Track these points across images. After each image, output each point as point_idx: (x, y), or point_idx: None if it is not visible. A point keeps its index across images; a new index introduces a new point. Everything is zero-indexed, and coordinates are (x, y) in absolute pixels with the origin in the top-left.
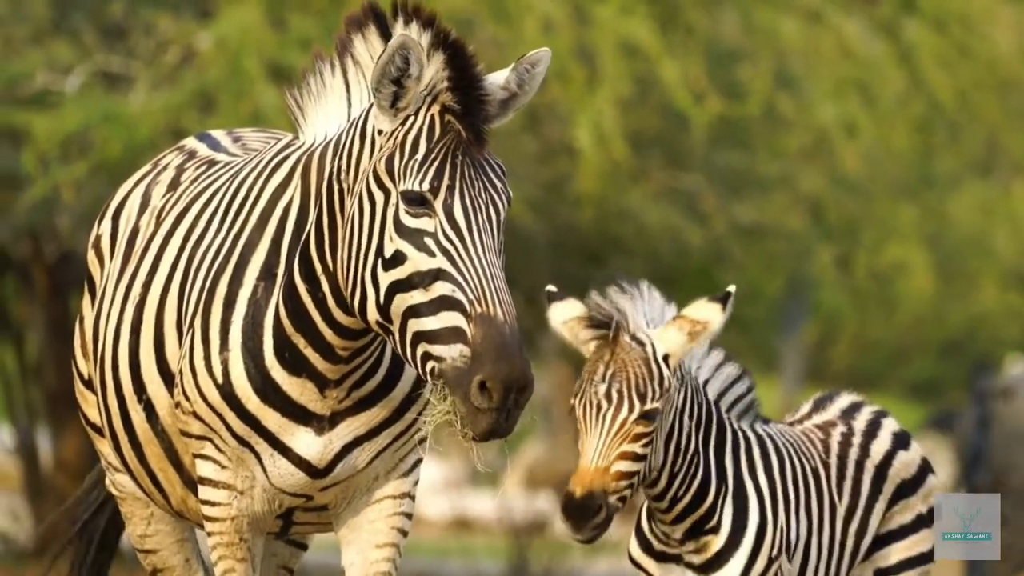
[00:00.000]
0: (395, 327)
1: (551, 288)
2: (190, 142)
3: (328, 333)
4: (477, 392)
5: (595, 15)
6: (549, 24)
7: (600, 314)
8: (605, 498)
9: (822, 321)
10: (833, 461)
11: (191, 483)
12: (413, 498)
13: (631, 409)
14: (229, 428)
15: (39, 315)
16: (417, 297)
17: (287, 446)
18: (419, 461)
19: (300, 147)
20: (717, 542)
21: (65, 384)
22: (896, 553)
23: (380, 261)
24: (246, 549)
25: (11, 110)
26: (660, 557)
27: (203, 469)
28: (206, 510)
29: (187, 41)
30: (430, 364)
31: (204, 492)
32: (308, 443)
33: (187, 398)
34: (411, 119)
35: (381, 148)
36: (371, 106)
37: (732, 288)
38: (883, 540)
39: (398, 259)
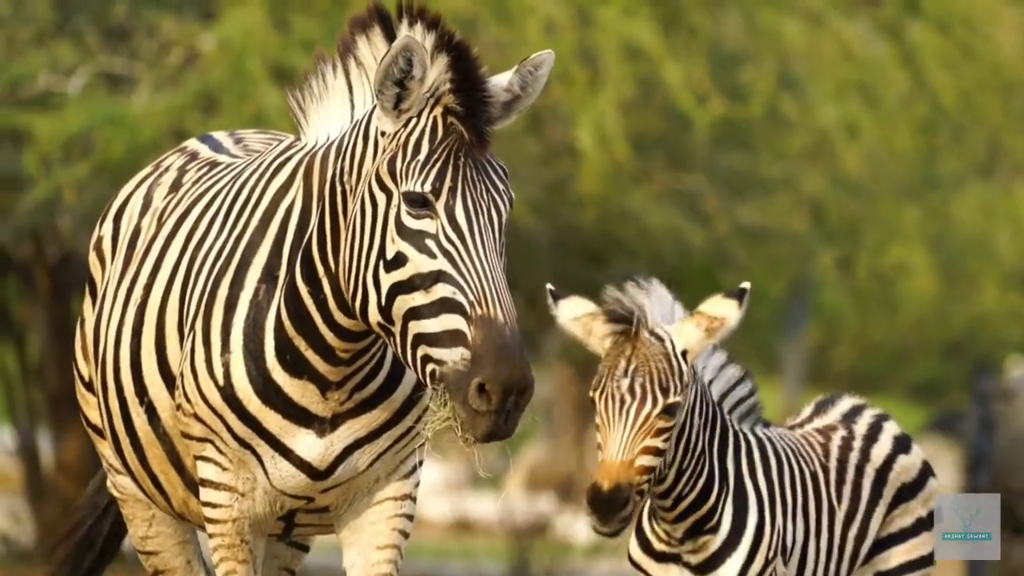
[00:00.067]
0: (396, 329)
1: (551, 287)
2: (192, 143)
3: (329, 335)
4: (476, 394)
5: (597, 17)
6: (551, 26)
7: (621, 309)
8: (631, 491)
9: (824, 323)
10: (833, 465)
11: (193, 485)
12: (414, 500)
13: (655, 403)
14: (230, 430)
15: (40, 316)
16: (418, 299)
17: (288, 448)
18: (420, 463)
19: (302, 148)
20: (715, 542)
21: (66, 386)
22: (896, 556)
23: (382, 262)
24: (247, 551)
25: (13, 111)
26: (660, 557)
27: (204, 471)
28: (207, 512)
29: (190, 43)
30: (430, 367)
31: (205, 494)
32: (309, 445)
33: (188, 400)
34: (414, 121)
35: (384, 150)
36: (374, 108)
37: (747, 285)
38: (883, 544)
39: (399, 260)
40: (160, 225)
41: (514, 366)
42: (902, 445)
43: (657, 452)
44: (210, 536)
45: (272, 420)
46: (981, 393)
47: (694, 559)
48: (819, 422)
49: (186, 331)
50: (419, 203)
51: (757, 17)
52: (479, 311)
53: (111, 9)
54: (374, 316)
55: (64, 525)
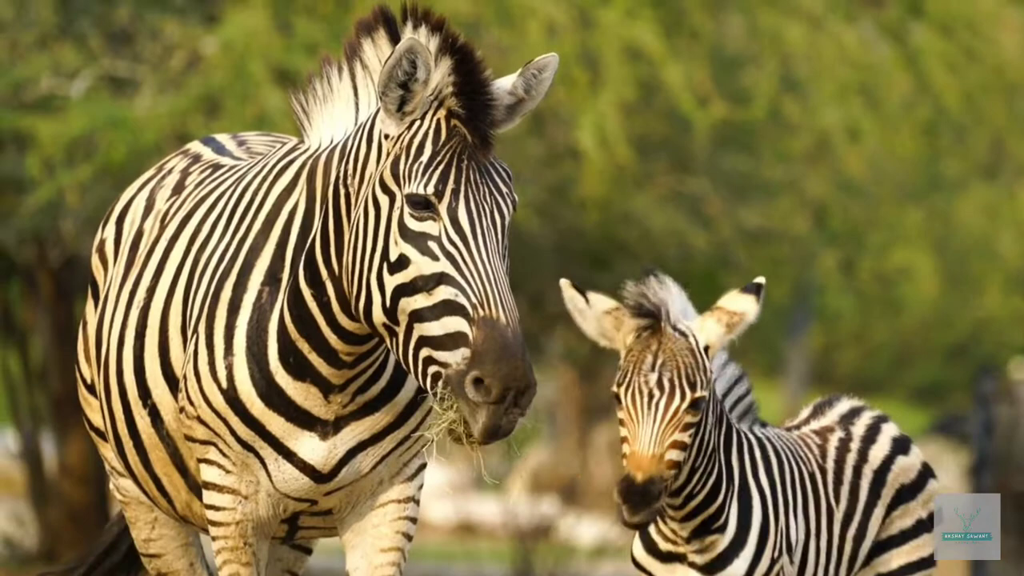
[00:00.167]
0: (400, 330)
1: (568, 282)
2: (195, 146)
3: (333, 338)
4: (472, 386)
5: (599, 19)
6: (553, 28)
7: (647, 304)
8: (662, 484)
9: (827, 325)
10: (830, 466)
11: (196, 488)
12: (417, 502)
13: (683, 398)
14: (233, 433)
15: (44, 320)
16: (420, 301)
17: (291, 451)
18: (423, 465)
19: (305, 151)
20: (722, 541)
21: (70, 389)
22: (897, 558)
23: (385, 264)
24: (251, 553)
25: (16, 114)
26: (666, 557)
27: (207, 474)
28: (211, 515)
29: (193, 46)
30: (432, 369)
31: (209, 497)
32: (312, 448)
33: (191, 403)
34: (417, 123)
35: (387, 152)
36: (378, 110)
37: (762, 279)
38: (884, 545)
39: (403, 263)
40: (163, 227)
41: (515, 366)
42: (901, 446)
43: (684, 447)
44: (213, 539)
45: (275, 423)
46: (983, 396)
47: (700, 559)
48: (816, 423)
49: (189, 334)
50: (422, 205)
51: (759, 20)
52: (481, 313)
53: (114, 12)
54: (378, 317)
55: (100, 542)
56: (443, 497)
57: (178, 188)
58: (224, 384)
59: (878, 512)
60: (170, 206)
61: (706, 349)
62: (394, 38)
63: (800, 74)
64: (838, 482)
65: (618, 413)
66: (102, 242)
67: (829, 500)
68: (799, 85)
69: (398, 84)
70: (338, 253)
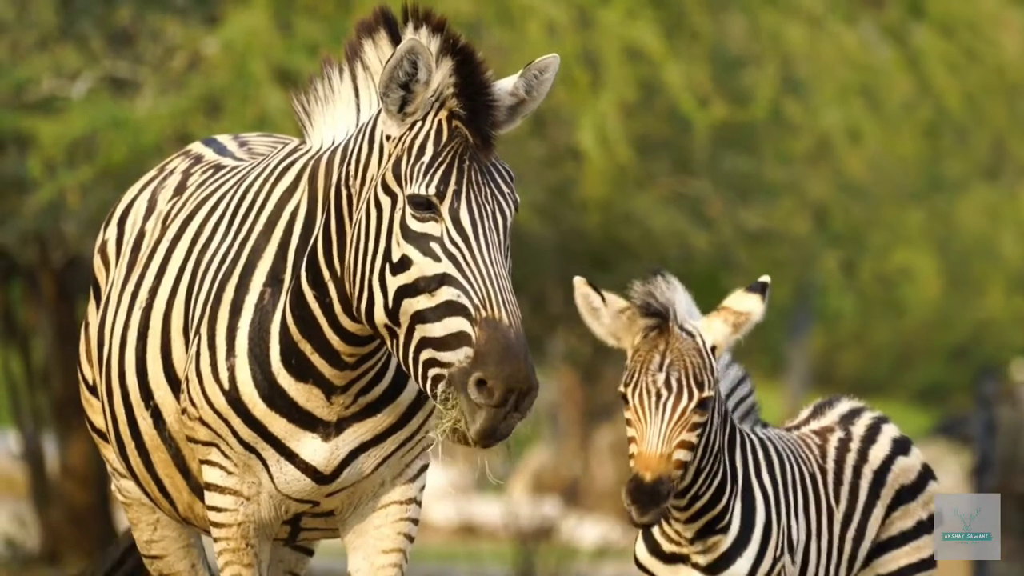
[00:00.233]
0: (401, 331)
1: (581, 279)
2: (196, 147)
3: (335, 339)
4: (475, 388)
5: (599, 19)
6: (553, 28)
7: (655, 303)
8: (670, 484)
9: (828, 326)
10: (830, 466)
11: (198, 489)
12: (419, 503)
13: (690, 398)
14: (235, 434)
15: (46, 321)
16: (423, 302)
17: (293, 452)
18: (425, 467)
19: (307, 152)
20: (726, 541)
21: (72, 390)
22: (897, 559)
23: (388, 265)
24: (253, 555)
25: (18, 115)
26: (669, 558)
27: (209, 475)
28: (213, 516)
29: (194, 47)
30: (433, 371)
31: (211, 498)
32: (314, 449)
33: (193, 404)
34: (419, 124)
35: (389, 154)
36: (380, 111)
37: (767, 278)
38: (884, 546)
39: (405, 264)
40: (164, 228)
41: (518, 367)
42: (901, 447)
43: (691, 447)
44: (215, 540)
45: (277, 424)
46: (985, 397)
47: (703, 559)
48: (816, 424)
49: (191, 335)
50: (424, 206)
51: (760, 20)
52: (484, 314)
53: (115, 13)
54: (380, 318)
55: (114, 552)
56: (445, 498)
57: (180, 189)
58: (226, 385)
59: (877, 512)
60: (172, 207)
61: (713, 349)
62: (395, 39)
63: (801, 75)
64: (838, 482)
65: (625, 413)
66: (104, 243)
67: (829, 501)
68: (800, 86)
69: (399, 85)
70: (340, 254)
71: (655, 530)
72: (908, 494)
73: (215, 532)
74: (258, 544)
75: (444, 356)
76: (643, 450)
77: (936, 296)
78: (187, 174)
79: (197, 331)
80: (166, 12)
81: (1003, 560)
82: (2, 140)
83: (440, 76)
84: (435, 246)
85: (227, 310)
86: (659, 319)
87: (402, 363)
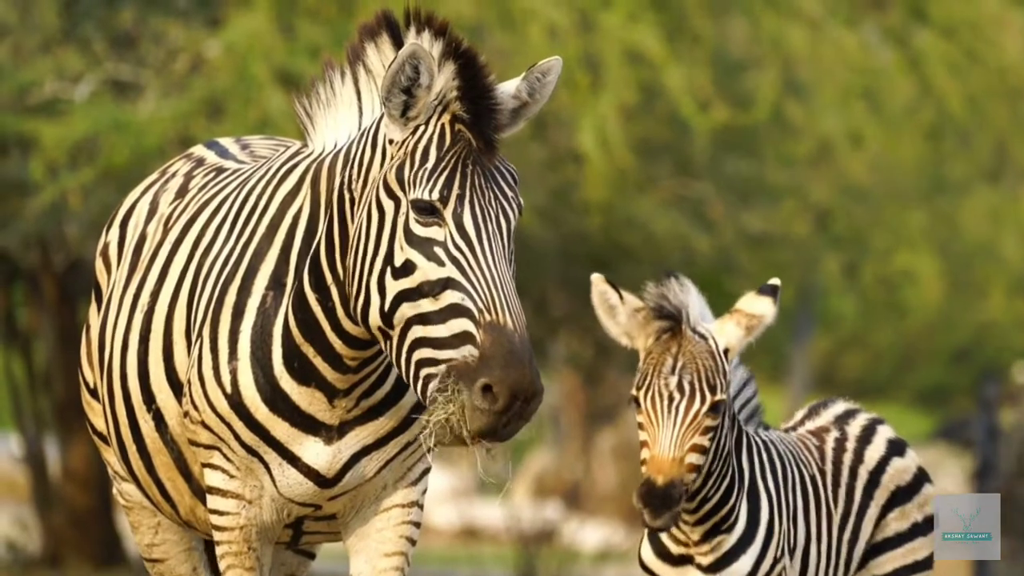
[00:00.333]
0: (395, 333)
1: (599, 276)
2: (198, 149)
3: (337, 343)
4: (480, 394)
5: (600, 23)
6: (554, 31)
7: (668, 306)
8: (682, 488)
9: (831, 329)
10: (829, 469)
11: (200, 492)
12: (421, 507)
13: (703, 401)
14: (238, 437)
15: (48, 324)
16: (426, 306)
17: (296, 456)
18: (427, 470)
19: (309, 155)
20: (730, 540)
21: (73, 393)
22: (892, 561)
23: (389, 269)
24: (255, 558)
25: (20, 118)
26: (677, 560)
27: (211, 478)
28: (215, 519)
29: (197, 49)
30: (426, 370)
31: (212, 501)
32: (317, 453)
33: (195, 407)
34: (421, 128)
35: (392, 157)
36: (383, 115)
37: (777, 281)
38: (879, 547)
39: (408, 268)
40: (166, 231)
41: (523, 372)
42: (896, 448)
43: (703, 450)
44: (217, 543)
45: (279, 428)
46: (987, 400)
47: (706, 560)
48: (812, 424)
49: (193, 338)
50: (427, 211)
51: (761, 23)
52: (488, 318)
53: (118, 16)
54: (375, 320)
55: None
56: (447, 501)
57: (182, 192)
58: (228, 389)
59: (871, 513)
60: (174, 210)
61: (725, 352)
62: (397, 42)
63: (802, 78)
64: (836, 485)
65: (637, 417)
66: (106, 246)
67: (829, 504)
68: (801, 89)
69: (401, 90)
70: (343, 258)
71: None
72: (903, 495)
73: (217, 535)
74: (260, 547)
75: (444, 354)
76: (655, 454)
77: (938, 298)
78: (189, 177)
79: (199, 334)
80: (168, 15)
81: (1003, 561)
82: (4, 143)
83: (443, 80)
84: (439, 250)
85: (229, 313)
86: (672, 322)
87: (393, 362)
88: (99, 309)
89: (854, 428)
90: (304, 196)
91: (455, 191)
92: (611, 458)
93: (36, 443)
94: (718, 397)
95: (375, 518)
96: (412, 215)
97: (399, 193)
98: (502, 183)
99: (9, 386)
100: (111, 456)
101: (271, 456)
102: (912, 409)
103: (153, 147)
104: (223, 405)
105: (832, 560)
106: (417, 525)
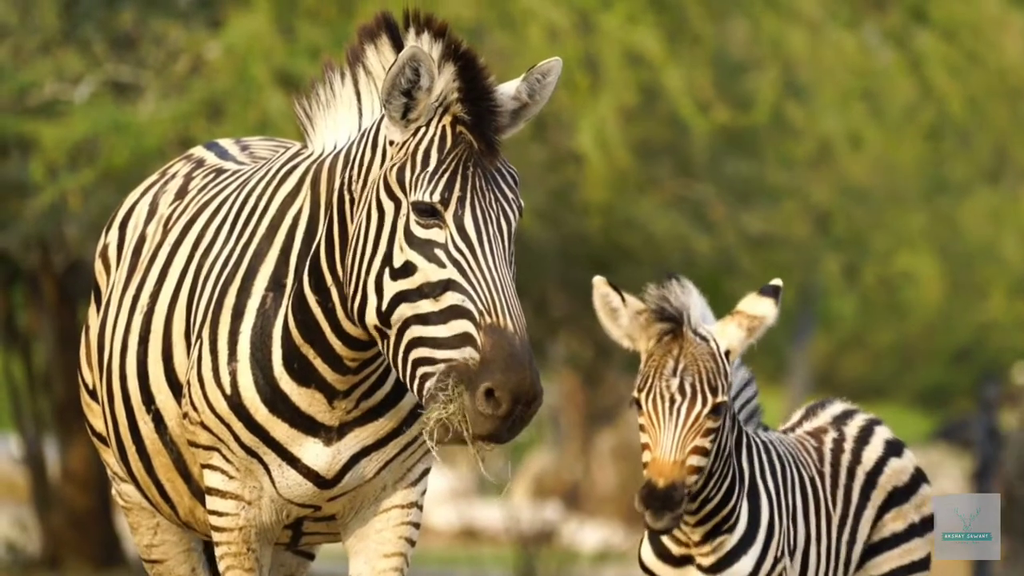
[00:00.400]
0: (392, 333)
1: (601, 279)
2: (198, 151)
3: (337, 344)
4: (483, 398)
5: (600, 24)
6: (554, 32)
7: (669, 308)
8: (684, 490)
9: (831, 330)
10: (827, 470)
11: (199, 494)
12: (421, 508)
13: (704, 403)
14: (237, 439)
15: (47, 325)
16: (426, 306)
17: (295, 457)
18: (427, 471)
19: (309, 157)
20: (731, 540)
21: (73, 394)
22: (889, 561)
23: (388, 270)
24: (254, 559)
25: (20, 119)
26: (678, 561)
27: (211, 479)
28: (214, 520)
29: (197, 51)
30: (423, 369)
31: (212, 502)
32: (316, 454)
33: (195, 408)
34: (422, 130)
35: (391, 158)
36: (383, 117)
37: (779, 282)
38: (876, 548)
39: (408, 269)
40: (166, 232)
41: (523, 375)
42: (893, 449)
43: (705, 452)
44: (217, 544)
45: (279, 429)
46: (987, 401)
47: (707, 560)
48: (810, 425)
49: (193, 339)
50: (428, 213)
51: (762, 25)
52: (488, 320)
53: (118, 18)
54: (371, 319)
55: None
56: (446, 502)
57: (181, 193)
58: (228, 390)
59: (868, 514)
60: (173, 211)
61: (727, 353)
62: (397, 44)
63: (802, 79)
64: (834, 486)
65: (639, 419)
66: (105, 247)
67: (827, 505)
68: (802, 90)
69: (401, 92)
70: (343, 259)
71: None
72: (901, 496)
73: (216, 536)
74: (259, 548)
75: (443, 354)
76: (657, 456)
77: (938, 299)
78: (189, 178)
79: (199, 335)
80: (168, 16)
81: (1003, 562)
82: (4, 144)
83: (443, 82)
84: (440, 252)
85: (229, 314)
86: (673, 324)
87: (390, 361)
88: (98, 310)
89: (852, 429)
90: (304, 197)
91: (456, 193)
92: (610, 459)
93: (36, 444)
94: (720, 399)
95: (374, 519)
96: (413, 217)
97: (400, 195)
98: (503, 185)
99: (9, 387)
100: (110, 457)
101: (270, 457)
102: (912, 410)
103: (153, 148)
104: (223, 406)
105: (832, 561)
106: (416, 526)
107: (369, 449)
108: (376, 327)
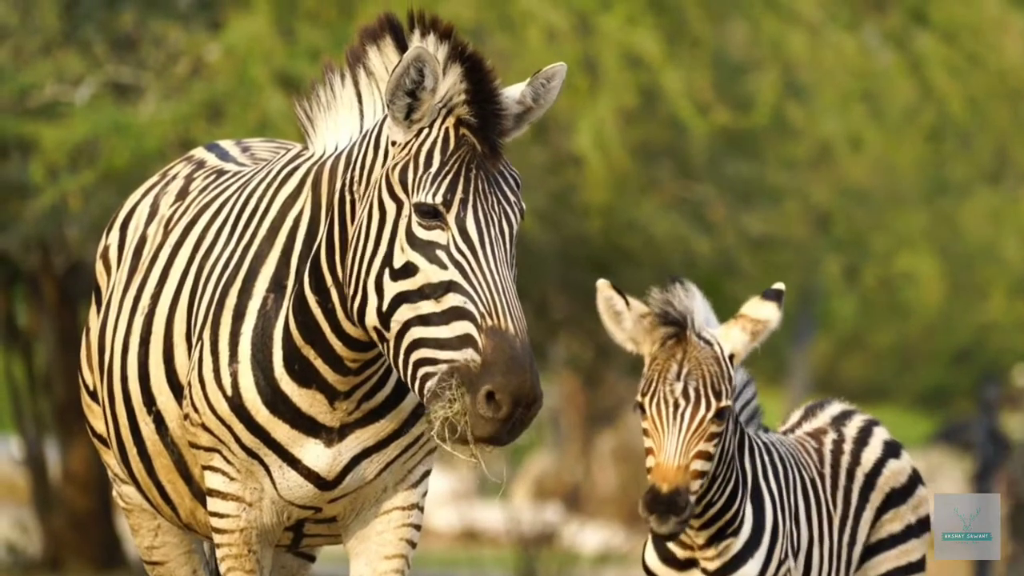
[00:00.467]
0: (391, 335)
1: (605, 282)
2: (199, 152)
3: (338, 345)
4: (484, 401)
5: (599, 26)
6: (553, 34)
7: (673, 311)
8: (688, 495)
9: (831, 331)
10: (827, 471)
11: (200, 495)
12: (422, 509)
13: (708, 407)
14: (238, 440)
15: (48, 326)
16: (427, 308)
17: (296, 458)
18: (427, 472)
19: (310, 158)
20: (737, 543)
21: (74, 395)
22: (887, 562)
23: (388, 270)
24: (255, 561)
25: (21, 121)
26: (682, 565)
27: (212, 481)
28: (215, 522)
29: (197, 52)
30: (424, 369)
31: (213, 504)
32: (317, 455)
33: (196, 410)
34: (425, 131)
35: (394, 158)
36: (385, 118)
37: (781, 285)
38: (873, 549)
39: (409, 270)
40: (167, 233)
41: (524, 378)
42: (892, 450)
43: (709, 457)
44: (217, 546)
45: (280, 430)
46: (987, 402)
47: (712, 564)
48: (809, 426)
49: (194, 340)
50: (430, 214)
51: (762, 27)
52: (489, 322)
53: (118, 19)
54: (371, 320)
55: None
56: (447, 504)
57: (182, 194)
58: (229, 391)
59: (867, 515)
60: (174, 212)
61: (731, 357)
62: (401, 45)
63: (802, 81)
64: (834, 487)
65: (642, 423)
66: (106, 248)
67: (828, 506)
68: (802, 91)
69: (406, 92)
70: (343, 260)
71: None
72: (899, 497)
73: (217, 538)
74: (260, 550)
75: (444, 355)
76: (660, 461)
77: (938, 300)
78: (189, 179)
79: (200, 337)
80: (169, 18)
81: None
82: (5, 145)
83: (448, 84)
84: (441, 254)
85: (230, 316)
86: (677, 327)
87: (391, 361)
88: (99, 311)
89: (851, 430)
90: (305, 198)
91: (458, 195)
92: (611, 460)
93: (36, 445)
94: (723, 403)
95: (375, 520)
96: (415, 218)
97: (402, 196)
98: (505, 188)
99: (9, 388)
100: (111, 458)
101: (271, 458)
102: (912, 411)
103: (153, 150)
104: (223, 407)
105: (834, 562)
106: (417, 528)
107: (370, 451)
108: (376, 328)
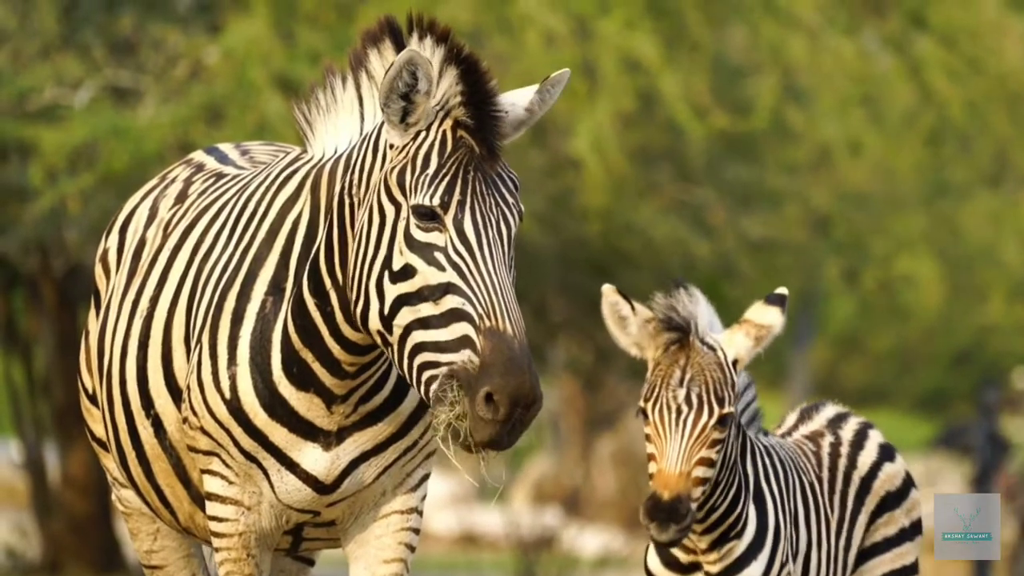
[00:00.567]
0: (394, 338)
1: (610, 287)
2: (198, 155)
3: (336, 348)
4: (483, 403)
5: (598, 30)
6: (551, 38)
7: (676, 317)
8: (689, 502)
9: (831, 335)
10: (825, 475)
11: (199, 499)
12: (420, 513)
13: (711, 414)
14: (236, 443)
15: (47, 329)
16: (426, 310)
17: (294, 462)
18: (426, 476)
19: (309, 161)
20: (740, 546)
21: (73, 399)
22: (882, 565)
23: (387, 273)
24: (254, 565)
25: (20, 124)
26: (686, 569)
27: (210, 485)
28: (213, 526)
29: (196, 55)
30: (428, 373)
31: (211, 508)
32: (315, 459)
33: (194, 413)
34: (423, 134)
35: (391, 160)
36: (383, 121)
37: (784, 290)
38: (868, 553)
39: (407, 272)
40: (166, 236)
41: (522, 379)
42: (887, 454)
43: (711, 464)
44: (216, 550)
45: (278, 434)
46: (987, 406)
47: (715, 568)
48: (805, 428)
49: (193, 344)
50: (428, 216)
51: (761, 31)
52: (487, 323)
53: (117, 22)
54: (374, 324)
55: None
56: (446, 508)
57: (181, 197)
58: (227, 395)
59: (862, 519)
60: (173, 215)
61: (734, 363)
62: (400, 48)
63: (802, 85)
64: (832, 491)
65: (645, 429)
66: (105, 251)
67: (826, 509)
68: (801, 95)
69: (399, 96)
70: (342, 263)
71: None
72: (893, 501)
73: (216, 542)
74: (259, 554)
75: (444, 357)
76: (662, 467)
77: (938, 303)
78: (189, 182)
79: (198, 340)
80: (168, 21)
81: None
82: (4, 148)
83: (445, 86)
84: (439, 256)
85: (228, 319)
86: (680, 333)
87: (396, 366)
88: (98, 315)
89: (847, 433)
90: (304, 201)
91: (456, 197)
92: (611, 464)
93: (35, 449)
94: (726, 410)
95: (374, 524)
96: (413, 220)
97: (400, 198)
98: (503, 190)
99: (9, 392)
100: (110, 462)
101: (270, 462)
102: (912, 414)
103: (152, 153)
104: (222, 411)
105: (832, 565)
106: (416, 531)
107: (368, 454)
108: (379, 332)
